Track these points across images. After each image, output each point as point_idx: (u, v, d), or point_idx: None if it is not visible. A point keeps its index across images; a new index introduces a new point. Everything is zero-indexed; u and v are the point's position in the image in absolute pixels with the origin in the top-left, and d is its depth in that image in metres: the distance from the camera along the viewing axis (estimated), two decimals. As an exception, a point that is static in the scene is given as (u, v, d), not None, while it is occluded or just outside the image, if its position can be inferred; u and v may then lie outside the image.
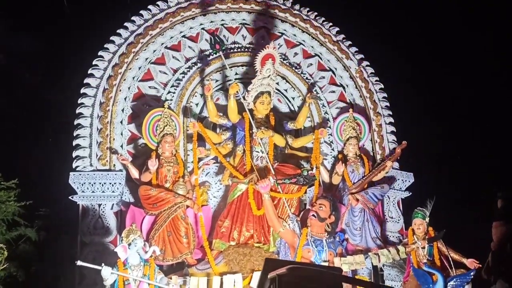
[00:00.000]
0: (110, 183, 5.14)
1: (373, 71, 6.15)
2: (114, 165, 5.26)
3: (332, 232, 4.96)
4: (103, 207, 5.13)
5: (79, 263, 4.13)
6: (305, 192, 5.43)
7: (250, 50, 5.88)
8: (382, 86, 6.12)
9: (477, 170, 7.50)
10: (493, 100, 7.86)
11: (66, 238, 5.57)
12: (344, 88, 6.09)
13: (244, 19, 5.99)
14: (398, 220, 5.70)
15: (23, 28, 7.02)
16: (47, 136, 6.77)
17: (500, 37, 7.93)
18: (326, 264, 4.75)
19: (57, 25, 7.10)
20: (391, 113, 6.07)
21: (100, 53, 5.52)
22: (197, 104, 5.77)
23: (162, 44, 5.72)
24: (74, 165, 5.20)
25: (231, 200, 5.21)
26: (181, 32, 5.78)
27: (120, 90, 5.46)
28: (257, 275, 4.70)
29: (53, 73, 7.08)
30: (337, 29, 6.19)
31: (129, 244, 4.39)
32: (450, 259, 4.88)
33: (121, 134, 5.40)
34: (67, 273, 5.02)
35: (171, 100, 5.57)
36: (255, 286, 4.70)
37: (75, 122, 5.32)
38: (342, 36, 6.18)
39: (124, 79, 5.49)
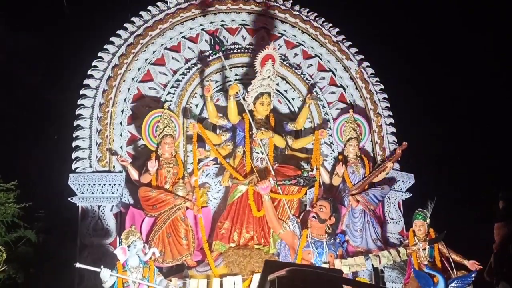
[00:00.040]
0: (110, 185, 5.12)
1: (373, 72, 6.13)
2: (114, 166, 5.25)
3: (332, 234, 4.95)
4: (103, 209, 5.12)
5: (78, 265, 4.11)
6: (305, 194, 5.42)
7: (250, 51, 5.87)
8: (382, 87, 6.11)
9: (478, 171, 7.50)
10: (493, 100, 7.84)
11: (65, 240, 5.56)
12: (344, 89, 6.08)
13: (244, 20, 5.98)
14: (399, 221, 5.69)
15: (23, 28, 7.02)
16: (46, 137, 6.76)
17: (500, 37, 7.93)
18: (326, 265, 4.73)
19: (57, 25, 7.10)
20: (391, 114, 6.05)
21: (99, 54, 5.51)
22: (197, 105, 5.76)
23: (162, 45, 5.70)
24: (73, 167, 5.19)
25: (231, 202, 5.19)
26: (180, 33, 5.77)
27: (120, 91, 5.44)
28: (257, 277, 4.68)
29: (53, 73, 7.08)
30: (337, 29, 6.17)
31: (129, 246, 4.37)
32: (451, 260, 4.87)
33: (121, 135, 5.38)
34: (67, 275, 5.00)
35: (171, 101, 5.56)
36: (255, 288, 4.68)
37: (75, 123, 5.30)
38: (342, 36, 6.17)
39: (124, 80, 5.48)
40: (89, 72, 5.45)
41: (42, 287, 5.67)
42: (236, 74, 5.87)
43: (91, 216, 5.07)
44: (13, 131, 6.49)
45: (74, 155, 5.21)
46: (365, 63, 6.12)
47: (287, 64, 5.97)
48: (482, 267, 5.00)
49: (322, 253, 4.79)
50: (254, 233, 5.10)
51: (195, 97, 5.73)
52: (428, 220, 5.06)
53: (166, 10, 5.77)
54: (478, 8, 7.85)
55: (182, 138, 5.45)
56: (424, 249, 4.98)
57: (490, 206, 6.40)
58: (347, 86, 6.08)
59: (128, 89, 5.51)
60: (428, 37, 8.13)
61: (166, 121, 5.23)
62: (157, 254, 4.52)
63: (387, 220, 5.64)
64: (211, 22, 5.87)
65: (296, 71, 5.98)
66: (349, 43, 6.17)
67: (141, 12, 5.72)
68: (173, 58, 5.73)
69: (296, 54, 6.05)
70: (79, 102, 5.35)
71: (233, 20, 5.95)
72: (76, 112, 5.32)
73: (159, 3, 5.79)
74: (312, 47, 6.08)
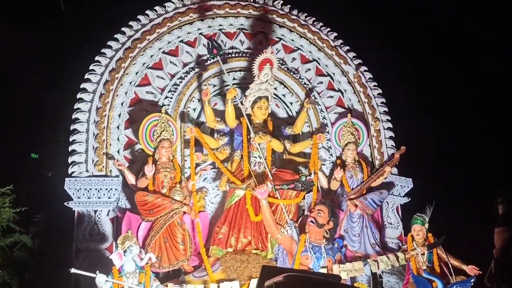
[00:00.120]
0: (106, 189, 5.10)
1: (371, 77, 6.13)
2: (111, 170, 5.22)
3: (330, 239, 4.92)
4: (99, 213, 5.08)
5: (73, 270, 4.08)
6: (303, 198, 5.39)
7: (248, 55, 5.86)
8: (380, 91, 6.11)
9: (478, 171, 7.48)
10: (493, 100, 7.84)
11: (61, 245, 5.51)
12: (342, 93, 6.07)
13: (242, 24, 5.97)
14: (397, 226, 5.66)
15: (23, 28, 7.01)
16: (42, 141, 6.73)
17: (500, 37, 7.93)
18: (324, 271, 4.70)
19: (57, 26, 7.10)
20: (389, 118, 6.04)
21: (97, 58, 5.49)
22: (194, 109, 5.74)
23: (160, 49, 5.69)
24: (70, 171, 5.16)
25: (229, 206, 5.16)
26: (178, 37, 5.76)
27: (117, 95, 5.43)
28: (254, 283, 4.65)
29: (53, 74, 7.07)
30: (335, 34, 6.17)
31: (125, 251, 4.34)
32: (450, 265, 4.84)
33: (118, 139, 5.36)
34: (62, 280, 4.95)
35: (168, 105, 5.54)
36: (252, 293, 4.64)
37: (71, 127, 5.28)
38: (340, 41, 6.17)
39: (121, 84, 5.46)
40: (86, 76, 5.43)
41: (37, 292, 5.62)
42: (234, 78, 5.86)
43: (87, 220, 5.04)
44: (8, 136, 6.45)
45: (70, 159, 5.18)
46: (363, 68, 6.12)
47: (285, 69, 5.96)
48: (481, 272, 4.97)
49: (320, 258, 4.76)
50: (251, 238, 5.07)
51: (193, 101, 5.71)
52: (426, 225, 5.04)
53: (164, 14, 5.76)
54: (478, 8, 7.86)
55: (180, 142, 5.43)
56: (423, 254, 4.95)
57: (490, 206, 6.38)
58: (345, 91, 6.07)
59: (126, 93, 5.50)
60: (428, 37, 8.14)
61: (164, 125, 5.21)
62: (153, 259, 4.49)
63: (385, 225, 5.61)
64: (209, 26, 5.86)
65: (294, 75, 5.97)
66: (347, 47, 6.17)
67: (138, 16, 5.71)
68: (171, 62, 5.72)
69: (294, 59, 6.05)
70: (76, 106, 5.33)
71: (231, 25, 5.94)
72: (73, 116, 5.30)
73: (157, 7, 5.78)
74: (310, 52, 6.08)
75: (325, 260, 4.76)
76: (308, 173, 5.34)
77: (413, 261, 4.99)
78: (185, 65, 5.74)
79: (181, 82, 5.66)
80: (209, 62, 5.71)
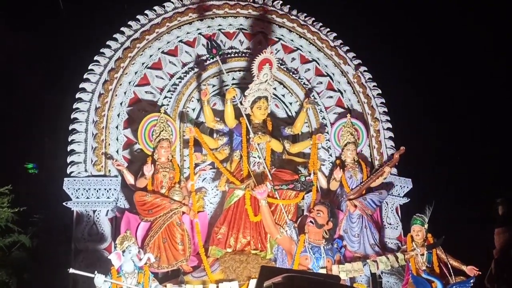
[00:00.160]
0: (105, 189, 5.09)
1: (371, 77, 6.13)
2: (109, 170, 5.21)
3: (330, 239, 4.91)
4: (98, 213, 5.08)
5: (71, 270, 4.07)
6: (303, 198, 5.38)
7: (247, 55, 5.85)
8: (380, 92, 6.10)
9: (477, 171, 7.48)
10: (493, 100, 7.84)
11: (60, 245, 5.51)
12: (341, 93, 6.06)
13: (241, 24, 5.97)
14: (397, 226, 5.65)
15: (23, 28, 7.00)
16: (41, 141, 6.72)
17: (500, 37, 7.93)
18: (324, 271, 4.69)
19: (56, 26, 7.10)
20: (389, 118, 6.03)
21: (96, 57, 5.49)
22: (193, 109, 5.74)
23: (159, 49, 5.69)
24: (68, 171, 5.15)
25: (228, 206, 5.15)
26: (178, 37, 5.76)
27: (116, 95, 5.42)
28: (253, 283, 4.63)
29: (52, 74, 7.07)
30: (335, 34, 6.17)
31: (123, 251, 4.33)
32: (449, 266, 4.83)
33: (117, 139, 5.35)
34: (61, 280, 4.95)
35: (168, 105, 5.53)
36: (251, 294, 4.63)
37: (70, 127, 5.27)
38: (340, 41, 6.17)
39: (120, 84, 5.46)
40: (85, 76, 5.43)
41: (36, 292, 5.61)
42: (233, 78, 5.85)
43: (86, 220, 5.03)
44: (6, 136, 6.45)
45: (69, 159, 5.17)
46: (363, 68, 6.11)
47: (285, 69, 5.95)
48: (480, 273, 4.96)
49: (320, 258, 4.75)
50: (251, 238, 5.06)
51: (192, 101, 5.70)
52: (426, 225, 5.03)
53: (163, 14, 5.75)
54: (478, 8, 7.86)
55: (179, 142, 5.42)
56: (422, 255, 4.94)
57: (490, 207, 6.38)
58: (345, 91, 6.06)
59: (125, 93, 5.49)
60: (428, 37, 8.14)
61: (163, 125, 5.20)
62: (152, 259, 4.48)
63: (385, 225, 5.60)
64: (209, 26, 5.86)
65: (294, 75, 5.96)
66: (347, 47, 6.17)
67: (138, 16, 5.71)
68: (170, 62, 5.71)
69: (293, 59, 6.04)
70: (74, 106, 5.32)
71: (230, 25, 5.94)
72: (72, 116, 5.29)
73: (156, 7, 5.78)
74: (310, 52, 6.07)
75: (324, 261, 4.75)
76: (308, 173, 5.34)
77: (412, 261, 4.98)
78: (184, 65, 5.73)
79: (180, 82, 5.66)
80: (208, 62, 5.70)
